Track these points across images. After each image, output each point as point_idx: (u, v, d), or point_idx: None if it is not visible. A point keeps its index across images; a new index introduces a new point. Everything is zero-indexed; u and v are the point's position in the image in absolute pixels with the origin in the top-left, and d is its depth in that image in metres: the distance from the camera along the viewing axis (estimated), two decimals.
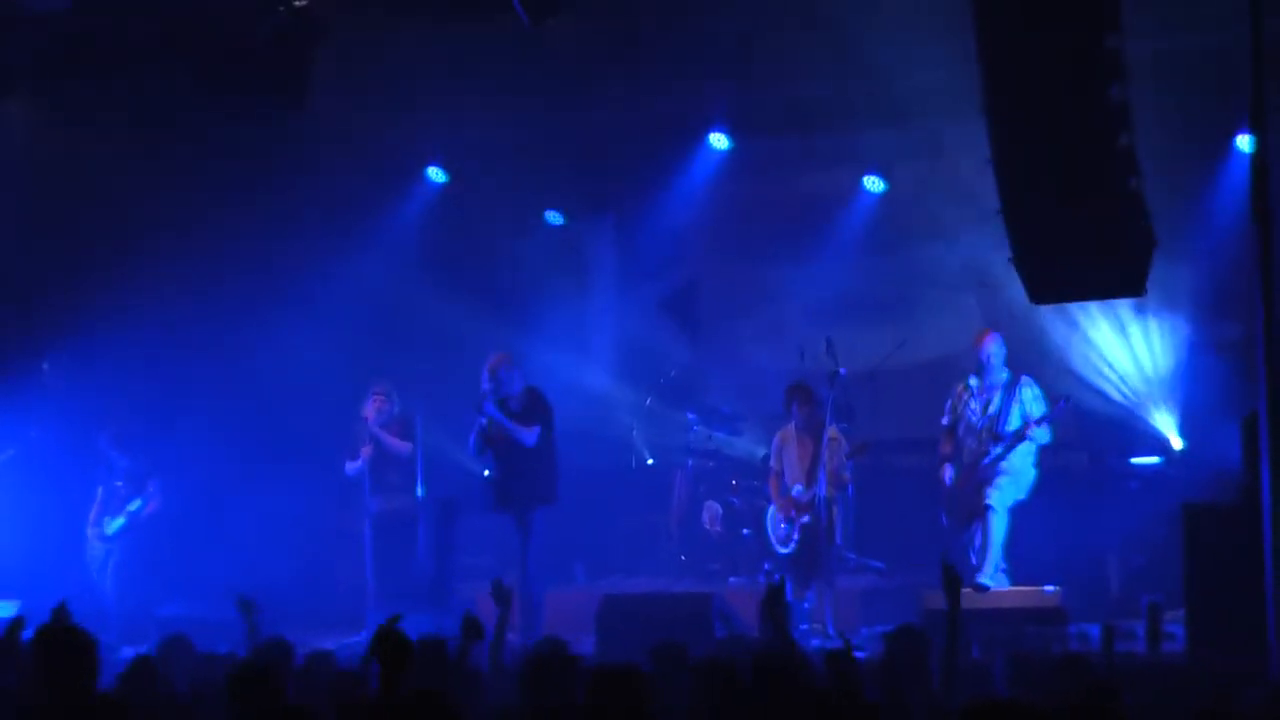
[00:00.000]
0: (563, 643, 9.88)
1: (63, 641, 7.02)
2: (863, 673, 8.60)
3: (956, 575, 8.22)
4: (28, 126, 14.88)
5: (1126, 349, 15.58)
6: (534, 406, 13.44)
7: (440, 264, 17.03)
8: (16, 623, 8.21)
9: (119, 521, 14.85)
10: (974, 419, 13.42)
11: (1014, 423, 13.25)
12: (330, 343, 15.84)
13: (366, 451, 14.40)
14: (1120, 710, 5.49)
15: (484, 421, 13.33)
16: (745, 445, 16.60)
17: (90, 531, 14.93)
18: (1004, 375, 13.42)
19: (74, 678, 6.87)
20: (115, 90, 14.41)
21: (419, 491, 14.43)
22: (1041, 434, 13.22)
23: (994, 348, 13.44)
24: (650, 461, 17.33)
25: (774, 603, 8.48)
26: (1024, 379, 13.37)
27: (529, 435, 13.42)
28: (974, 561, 13.23)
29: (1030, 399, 13.29)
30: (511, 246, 17.68)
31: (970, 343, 13.77)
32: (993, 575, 12.91)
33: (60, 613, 8.15)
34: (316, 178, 15.76)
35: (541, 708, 6.95)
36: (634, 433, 17.25)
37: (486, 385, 13.31)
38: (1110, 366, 15.60)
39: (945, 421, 13.64)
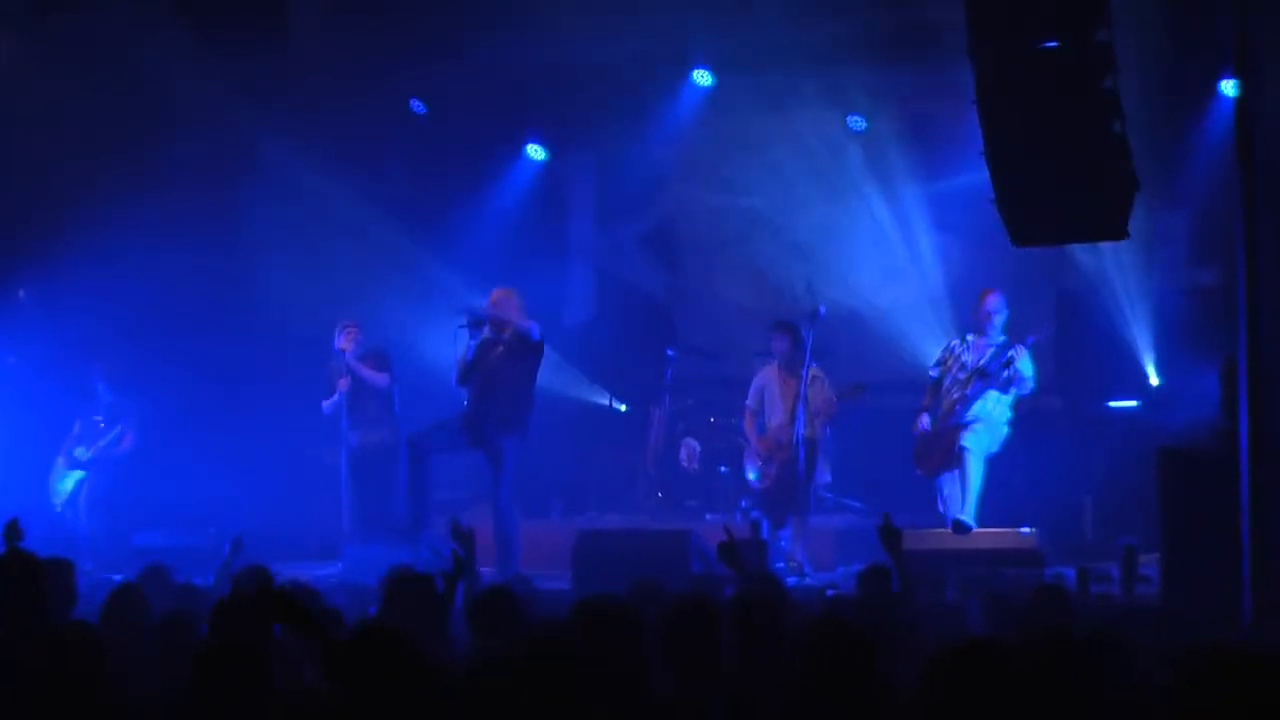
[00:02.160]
0: (526, 580, 9.91)
1: (13, 566, 6.98)
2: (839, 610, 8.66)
3: (894, 529, 8.30)
4: (3, 59, 14.79)
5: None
6: (523, 339, 13.26)
7: (418, 197, 16.96)
8: None
9: (88, 454, 14.80)
10: (961, 375, 13.40)
11: (1000, 365, 13.20)
12: (307, 275, 15.77)
13: (343, 384, 14.38)
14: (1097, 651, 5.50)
15: (465, 350, 13.23)
16: (724, 379, 16.56)
17: (59, 460, 14.89)
18: (1000, 338, 13.36)
19: (28, 603, 6.85)
20: (93, 25, 14.34)
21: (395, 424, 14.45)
22: (1025, 363, 13.13)
23: (996, 307, 13.36)
24: (624, 408, 17.32)
25: (730, 550, 8.52)
26: (1018, 346, 13.27)
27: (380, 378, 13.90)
28: (941, 509, 13.28)
29: (1020, 356, 13.23)
30: (491, 181, 17.60)
31: (957, 285, 13.73)
32: (972, 515, 12.91)
33: (11, 530, 8.09)
34: (296, 109, 15.67)
35: (492, 647, 6.94)
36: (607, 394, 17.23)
37: (467, 317, 13.18)
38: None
39: (934, 374, 13.61)
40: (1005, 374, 13.13)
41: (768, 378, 14.15)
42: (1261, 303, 9.81)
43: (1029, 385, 13.21)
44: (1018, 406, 13.38)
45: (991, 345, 13.35)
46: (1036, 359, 13.32)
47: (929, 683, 4.94)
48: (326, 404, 14.54)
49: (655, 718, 4.93)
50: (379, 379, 14.49)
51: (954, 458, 13.20)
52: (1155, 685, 5.59)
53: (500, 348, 13.23)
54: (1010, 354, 13.14)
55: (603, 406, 17.33)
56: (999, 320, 13.36)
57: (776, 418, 13.92)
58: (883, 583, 8.53)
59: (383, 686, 5.48)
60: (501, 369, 13.19)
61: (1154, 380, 15.13)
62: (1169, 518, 11.17)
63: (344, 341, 14.37)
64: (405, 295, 16.01)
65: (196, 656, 5.89)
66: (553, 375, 14.89)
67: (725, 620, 6.64)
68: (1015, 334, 13.34)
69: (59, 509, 14.80)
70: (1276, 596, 9.63)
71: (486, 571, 12.59)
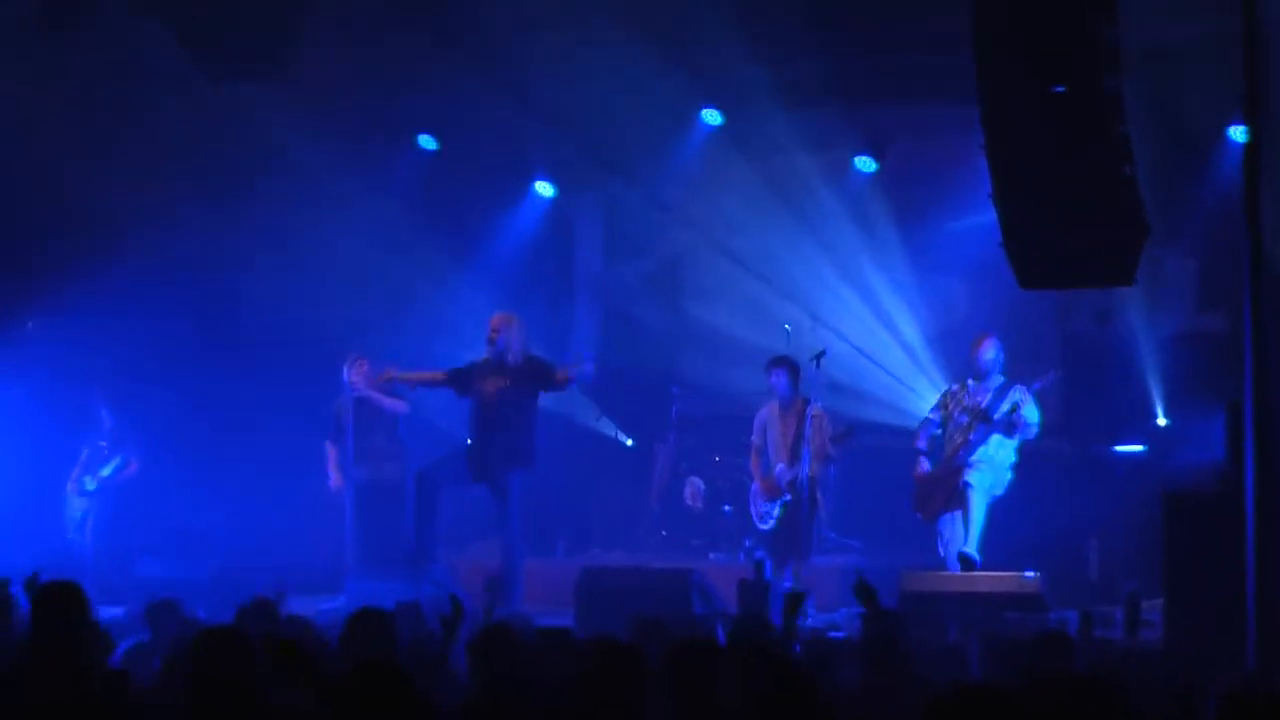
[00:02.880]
0: (527, 619, 9.86)
1: (52, 601, 6.96)
2: (840, 652, 8.64)
3: (869, 588, 8.25)
4: (6, 81, 14.84)
5: None
6: (532, 372, 13.29)
7: (427, 231, 16.97)
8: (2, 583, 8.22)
9: (94, 482, 14.82)
10: (964, 419, 13.39)
11: (1004, 410, 13.20)
12: (315, 309, 15.78)
13: (336, 479, 14.40)
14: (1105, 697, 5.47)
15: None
16: (728, 417, 16.54)
17: (70, 488, 14.91)
18: (999, 380, 13.39)
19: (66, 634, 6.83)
20: (99, 47, 14.38)
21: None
22: (1030, 410, 13.16)
23: (991, 353, 13.39)
24: (630, 443, 17.30)
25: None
26: (1017, 386, 13.29)
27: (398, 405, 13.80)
28: (941, 553, 13.25)
29: (1020, 397, 13.21)
30: (499, 216, 17.61)
31: (961, 327, 13.74)
32: (977, 550, 12.86)
33: (30, 584, 8.10)
34: (305, 141, 15.70)
35: (492, 683, 6.92)
36: (598, 420, 17.17)
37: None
38: None
39: (934, 419, 13.59)
40: (1010, 418, 13.12)
41: (769, 415, 14.12)
42: (1268, 348, 9.80)
43: (1034, 431, 13.22)
44: (1021, 450, 13.37)
45: (990, 390, 13.35)
46: (1042, 403, 13.33)
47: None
48: (330, 451, 14.53)
49: None
50: (398, 405, 14.45)
51: (956, 498, 13.18)
52: None
53: (505, 380, 13.18)
54: (1013, 396, 13.14)
55: (608, 442, 17.29)
56: (995, 367, 13.38)
57: (778, 457, 13.90)
58: (887, 624, 8.48)
59: None
60: (506, 402, 13.14)
61: (1161, 423, 15.12)
62: (1173, 562, 11.13)
63: (354, 375, 14.36)
64: (412, 330, 16.01)
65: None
66: (557, 409, 14.86)
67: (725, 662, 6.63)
68: (1013, 375, 13.34)
69: (70, 536, 14.81)
70: None
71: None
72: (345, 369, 14.41)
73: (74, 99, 14.79)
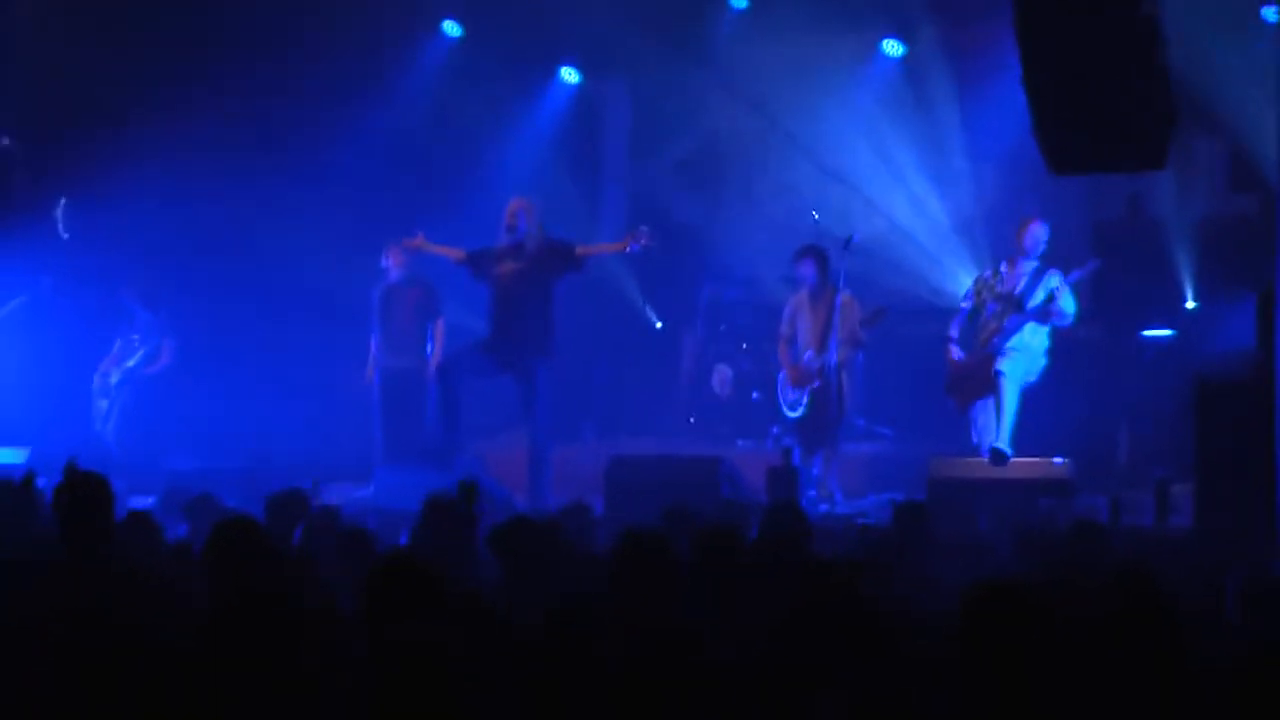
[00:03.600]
0: (586, 509, 9.85)
1: (82, 492, 6.99)
2: (870, 541, 8.66)
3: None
4: None
5: None
6: (551, 252, 13.16)
7: (453, 119, 16.89)
8: (28, 476, 8.25)
9: (118, 373, 14.86)
10: (996, 306, 13.19)
11: (1036, 300, 13.04)
12: (340, 200, 15.78)
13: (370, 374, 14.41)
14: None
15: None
16: (758, 305, 16.50)
17: (96, 381, 14.94)
18: (1034, 264, 13.17)
19: (93, 529, 6.86)
20: None
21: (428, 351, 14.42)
22: (1067, 300, 12.93)
23: (1040, 234, 13.13)
24: (660, 325, 17.27)
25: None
26: (1053, 271, 13.05)
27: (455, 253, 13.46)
28: (975, 440, 13.15)
29: (1056, 282, 12.98)
30: (525, 103, 17.52)
31: (992, 212, 13.59)
32: (1008, 442, 12.79)
33: (70, 470, 8.13)
34: (330, 32, 15.63)
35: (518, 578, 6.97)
36: (643, 304, 17.15)
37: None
38: None
39: (966, 306, 13.40)
40: (1046, 308, 12.94)
41: (799, 304, 14.04)
42: None
43: (1069, 320, 13.01)
44: (1055, 336, 13.21)
45: (1024, 274, 13.16)
46: (1077, 291, 13.16)
47: (965, 617, 4.91)
48: (369, 373, 14.58)
49: (683, 653, 4.93)
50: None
51: (988, 386, 13.03)
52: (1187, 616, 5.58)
53: (523, 264, 13.07)
54: (1049, 283, 12.95)
55: (636, 328, 17.26)
56: (1039, 250, 13.15)
57: (807, 345, 13.83)
58: (917, 517, 8.49)
59: (413, 614, 5.49)
60: (525, 286, 13.02)
61: (1190, 304, 15.05)
62: (1203, 448, 11.09)
63: (392, 261, 14.34)
64: (439, 218, 15.95)
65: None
66: (585, 300, 14.84)
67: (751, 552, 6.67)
68: (1050, 260, 13.15)
69: (98, 428, 14.86)
70: None
71: (519, 498, 12.64)
72: (384, 256, 14.40)
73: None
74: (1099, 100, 10.01)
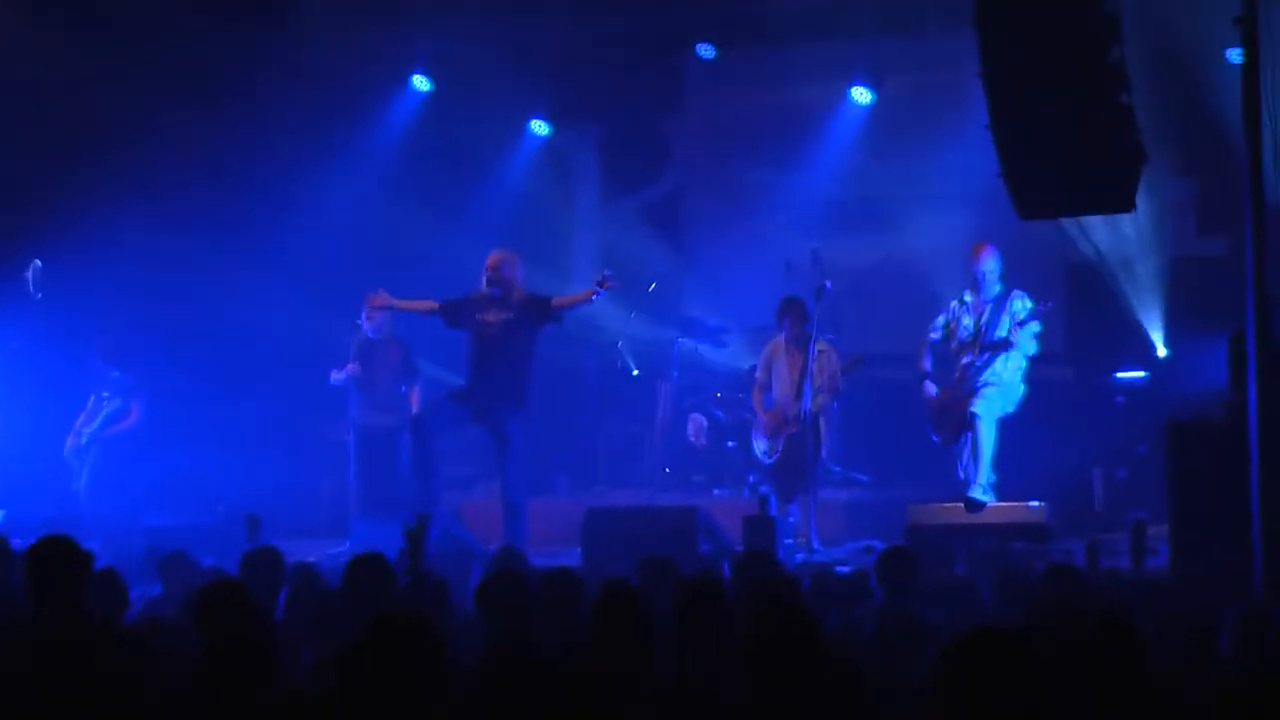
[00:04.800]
0: (520, 555, 9.85)
1: (52, 554, 6.94)
2: (847, 588, 8.64)
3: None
4: (13, 35, 14.77)
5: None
6: (534, 304, 13.06)
7: (423, 172, 16.90)
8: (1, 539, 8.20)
9: (89, 431, 14.76)
10: (965, 335, 13.22)
11: (1002, 331, 13.04)
12: (311, 253, 15.75)
13: (353, 368, 14.35)
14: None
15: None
16: (730, 357, 16.54)
17: (69, 441, 14.84)
18: (997, 289, 13.17)
19: (65, 590, 6.81)
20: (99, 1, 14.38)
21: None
22: (1026, 339, 12.92)
23: (990, 263, 13.14)
24: (636, 373, 17.26)
25: None
26: (1015, 292, 13.06)
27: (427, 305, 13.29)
28: (961, 476, 13.13)
29: (1020, 309, 12.98)
30: (495, 156, 17.54)
31: (963, 255, 13.59)
32: (985, 490, 12.78)
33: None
34: (300, 85, 15.66)
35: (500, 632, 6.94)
36: (619, 344, 17.13)
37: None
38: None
39: (935, 337, 13.39)
40: (1009, 339, 12.92)
41: (775, 351, 14.06)
42: (1270, 273, 9.78)
43: (1034, 347, 12.97)
44: (1031, 363, 13.12)
45: (988, 301, 13.15)
46: (1046, 325, 13.14)
47: (948, 666, 4.89)
48: (335, 375, 14.48)
49: (665, 703, 4.91)
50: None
51: (967, 424, 13.02)
52: (1163, 659, 5.58)
53: (508, 313, 13.02)
54: (1013, 308, 12.94)
55: (611, 379, 17.23)
56: (993, 276, 13.13)
57: (783, 393, 13.85)
58: (902, 566, 8.46)
59: (394, 679, 5.45)
60: (507, 338, 12.95)
61: (1162, 351, 15.09)
62: (1178, 490, 11.12)
63: (367, 319, 14.32)
64: (409, 271, 15.93)
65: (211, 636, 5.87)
66: (558, 351, 14.80)
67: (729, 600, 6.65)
68: (1010, 283, 13.15)
69: (74, 487, 14.77)
70: None
71: (494, 550, 12.57)
72: (361, 315, 14.35)
73: (76, 37, 14.74)
74: (1066, 144, 10.08)
